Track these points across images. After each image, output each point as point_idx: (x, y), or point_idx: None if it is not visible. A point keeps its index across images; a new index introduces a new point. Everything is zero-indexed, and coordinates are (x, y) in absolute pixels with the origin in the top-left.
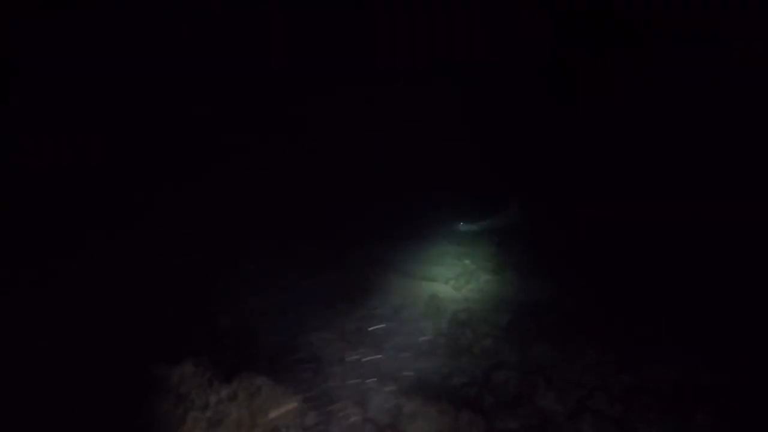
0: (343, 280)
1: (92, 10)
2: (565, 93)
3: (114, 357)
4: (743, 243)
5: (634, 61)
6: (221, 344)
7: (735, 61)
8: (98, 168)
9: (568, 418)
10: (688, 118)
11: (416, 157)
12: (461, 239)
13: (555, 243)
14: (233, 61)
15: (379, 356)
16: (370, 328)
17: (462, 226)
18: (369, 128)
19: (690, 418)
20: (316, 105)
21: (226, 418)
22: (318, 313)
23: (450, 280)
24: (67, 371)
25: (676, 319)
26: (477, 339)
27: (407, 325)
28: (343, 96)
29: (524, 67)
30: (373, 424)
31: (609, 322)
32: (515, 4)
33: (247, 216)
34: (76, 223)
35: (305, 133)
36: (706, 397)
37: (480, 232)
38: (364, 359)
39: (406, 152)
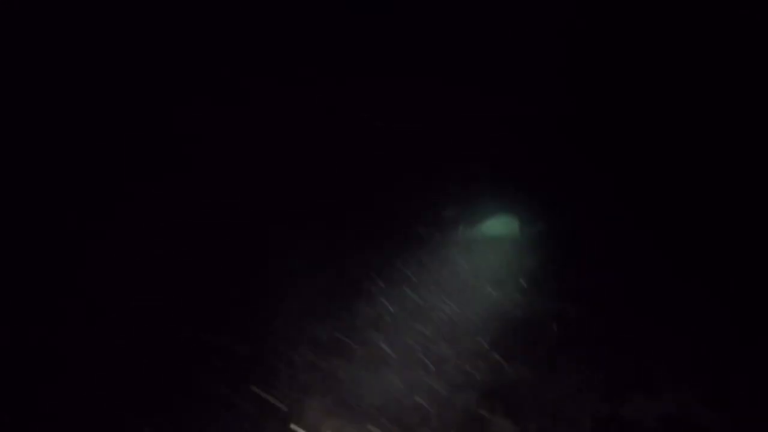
0: (327, 283)
1: None
2: None
3: None
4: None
5: None
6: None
7: None
8: None
9: None
10: None
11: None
12: (464, 246)
13: (565, 253)
14: None
15: (344, 369)
16: (346, 339)
17: (462, 231)
18: None
19: None
20: None
21: None
22: (297, 318)
23: (443, 290)
24: None
25: (684, 353)
26: (455, 355)
27: (386, 336)
28: None
29: None
30: None
31: (606, 346)
32: None
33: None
34: None
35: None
36: None
37: (484, 237)
38: (326, 372)
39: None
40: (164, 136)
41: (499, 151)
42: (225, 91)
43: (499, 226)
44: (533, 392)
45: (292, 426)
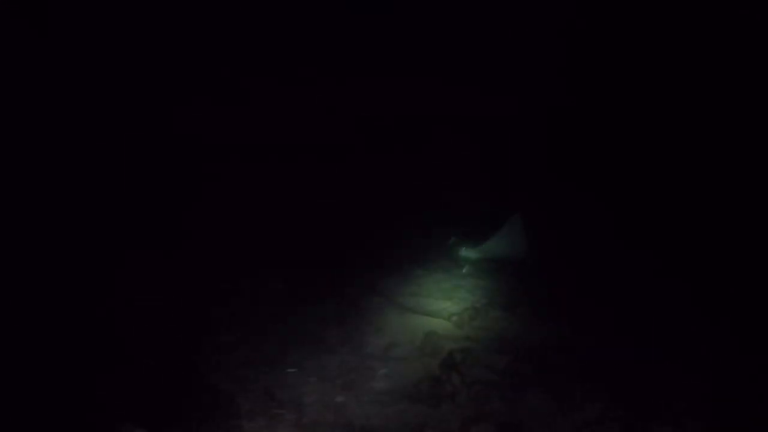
0: (335, 313)
1: None
2: None
3: None
4: None
5: None
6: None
7: None
8: None
9: None
10: None
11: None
12: (471, 270)
13: (573, 273)
14: None
15: (354, 401)
16: (357, 368)
17: (463, 252)
18: None
19: None
20: None
21: None
22: (304, 348)
23: (453, 316)
24: None
25: (701, 376)
26: (467, 384)
27: (394, 366)
28: None
29: None
30: None
31: (623, 372)
32: None
33: (233, 239)
34: None
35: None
36: None
37: (485, 259)
38: (340, 403)
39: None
40: (164, 136)
41: (492, 174)
42: (225, 91)
43: (498, 251)
44: (552, 423)
45: None
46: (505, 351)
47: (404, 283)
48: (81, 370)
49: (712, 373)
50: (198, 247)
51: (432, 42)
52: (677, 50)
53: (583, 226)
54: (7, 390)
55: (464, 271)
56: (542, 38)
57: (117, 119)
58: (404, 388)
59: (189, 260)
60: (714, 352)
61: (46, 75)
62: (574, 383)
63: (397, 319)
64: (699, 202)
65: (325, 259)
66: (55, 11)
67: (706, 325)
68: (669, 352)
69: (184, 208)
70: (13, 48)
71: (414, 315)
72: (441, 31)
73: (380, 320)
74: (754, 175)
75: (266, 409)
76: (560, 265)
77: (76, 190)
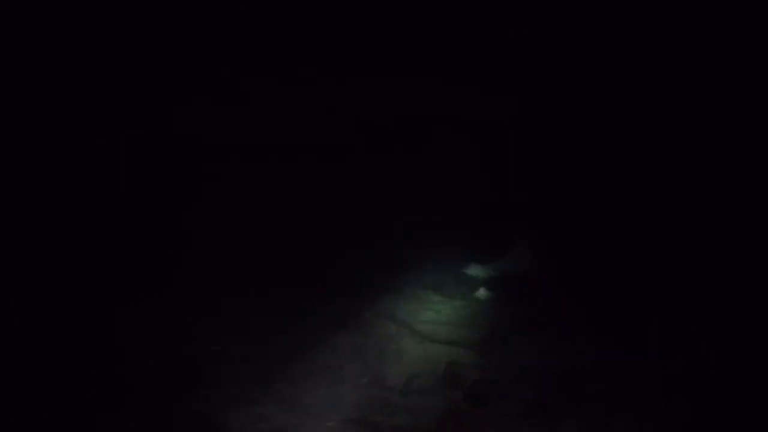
0: (347, 342)
1: None
2: None
3: None
4: None
5: None
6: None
7: None
8: None
9: None
10: None
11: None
12: (488, 293)
13: (593, 291)
14: None
15: None
16: (373, 403)
17: (471, 270)
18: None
19: None
20: None
21: None
22: (316, 383)
23: (474, 344)
24: None
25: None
26: (495, 419)
27: (416, 399)
28: None
29: None
30: None
31: (660, 398)
32: None
33: (234, 240)
34: None
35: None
36: None
37: (497, 277)
38: None
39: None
40: (164, 136)
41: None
42: (225, 91)
43: (510, 269)
44: None
45: None
46: (533, 380)
47: (421, 310)
48: (81, 369)
49: (712, 373)
50: (198, 247)
51: (432, 42)
52: (677, 50)
53: (583, 227)
54: (8, 390)
55: (481, 294)
56: (542, 38)
57: (117, 119)
58: (428, 424)
59: (189, 260)
60: (714, 352)
61: (46, 75)
62: (608, 414)
63: (417, 348)
64: (699, 201)
65: (332, 275)
66: (55, 11)
67: (706, 325)
68: (669, 352)
69: (183, 208)
70: (13, 48)
71: (433, 344)
72: (441, 31)
73: (399, 349)
74: (754, 175)
75: None
76: (566, 271)
77: (75, 189)
